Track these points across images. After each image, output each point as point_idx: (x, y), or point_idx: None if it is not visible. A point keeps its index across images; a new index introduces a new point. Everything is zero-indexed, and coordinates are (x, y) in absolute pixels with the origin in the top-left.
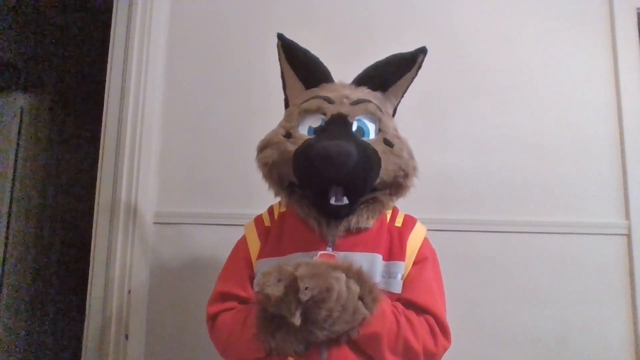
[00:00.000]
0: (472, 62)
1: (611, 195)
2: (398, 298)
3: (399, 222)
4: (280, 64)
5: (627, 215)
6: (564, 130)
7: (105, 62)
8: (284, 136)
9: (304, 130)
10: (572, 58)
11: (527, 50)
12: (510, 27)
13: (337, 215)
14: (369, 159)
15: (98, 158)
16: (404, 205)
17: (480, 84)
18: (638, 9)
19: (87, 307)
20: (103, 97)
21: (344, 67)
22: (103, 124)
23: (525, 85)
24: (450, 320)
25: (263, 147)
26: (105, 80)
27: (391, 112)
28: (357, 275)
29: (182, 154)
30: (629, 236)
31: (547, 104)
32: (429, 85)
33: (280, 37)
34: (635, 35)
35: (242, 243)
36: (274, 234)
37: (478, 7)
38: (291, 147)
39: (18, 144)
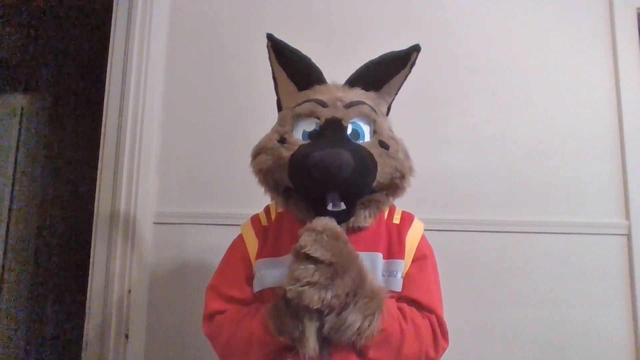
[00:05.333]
0: (472, 62)
1: (611, 195)
2: (399, 297)
3: (396, 219)
4: (271, 65)
5: (627, 215)
6: (564, 130)
7: (105, 62)
8: (278, 141)
9: (298, 135)
10: (572, 58)
11: (527, 50)
12: (510, 27)
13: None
14: (365, 165)
15: (98, 158)
16: (404, 205)
17: (480, 83)
18: (638, 9)
19: (87, 307)
20: (103, 97)
21: (341, 67)
22: (103, 124)
23: (525, 85)
24: (450, 321)
25: (257, 153)
26: (105, 80)
27: (385, 110)
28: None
29: (182, 154)
30: (629, 236)
31: (547, 103)
32: (429, 85)
33: (270, 37)
34: (635, 35)
35: (239, 242)
36: (271, 234)
37: (478, 7)
38: (286, 152)
39: (18, 144)
